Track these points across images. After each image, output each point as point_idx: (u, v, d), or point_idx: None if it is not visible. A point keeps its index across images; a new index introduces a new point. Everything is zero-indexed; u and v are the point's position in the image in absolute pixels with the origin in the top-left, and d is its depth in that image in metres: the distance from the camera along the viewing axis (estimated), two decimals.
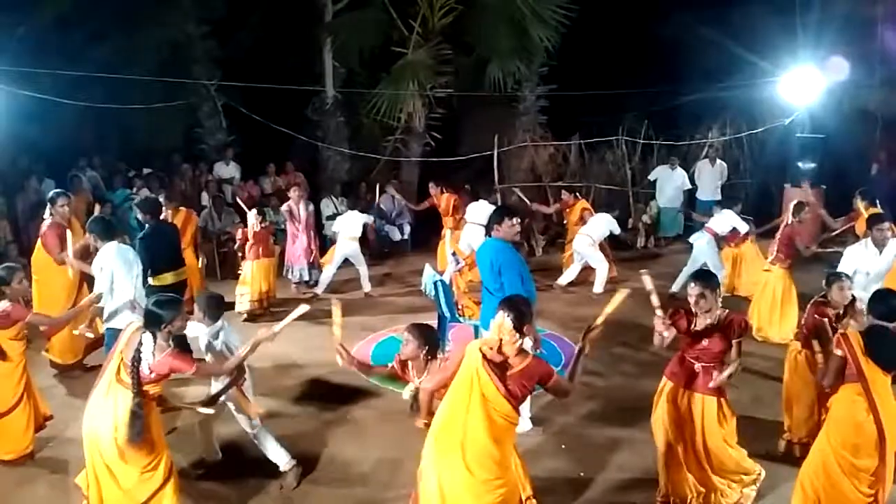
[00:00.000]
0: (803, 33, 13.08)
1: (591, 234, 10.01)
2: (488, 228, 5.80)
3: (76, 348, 7.13)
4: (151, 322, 4.18)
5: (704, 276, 4.78)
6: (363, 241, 10.51)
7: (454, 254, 9.16)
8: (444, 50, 13.28)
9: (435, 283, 7.32)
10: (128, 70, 11.20)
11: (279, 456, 5.16)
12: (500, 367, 3.65)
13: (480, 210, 9.81)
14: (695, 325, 4.65)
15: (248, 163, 13.42)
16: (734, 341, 4.57)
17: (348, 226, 9.98)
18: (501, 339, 3.61)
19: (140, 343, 4.16)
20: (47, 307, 7.01)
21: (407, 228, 12.79)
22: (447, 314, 7.21)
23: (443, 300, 7.17)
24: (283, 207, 10.24)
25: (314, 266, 10.12)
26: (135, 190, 11.38)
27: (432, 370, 4.29)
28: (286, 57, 13.28)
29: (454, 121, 14.07)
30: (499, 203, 10.47)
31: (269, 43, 13.16)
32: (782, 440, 5.55)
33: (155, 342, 4.16)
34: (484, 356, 3.64)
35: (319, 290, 9.95)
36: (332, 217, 11.20)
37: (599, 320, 4.13)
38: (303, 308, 4.71)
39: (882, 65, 13.43)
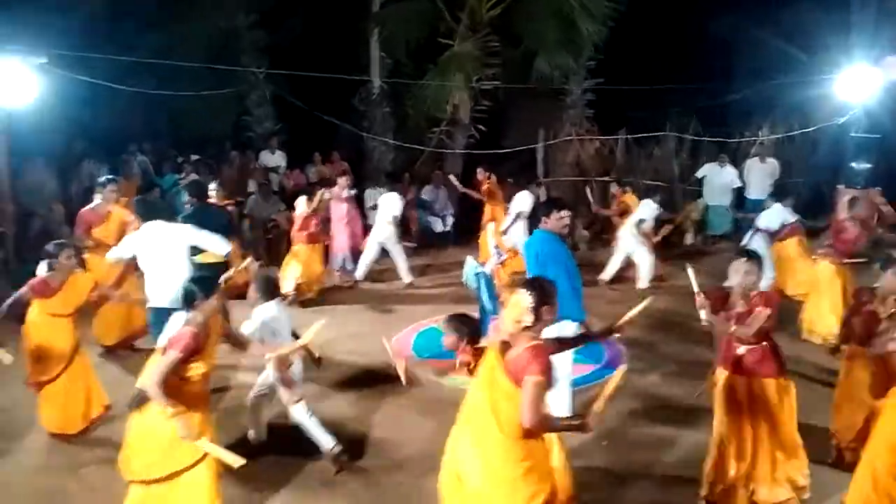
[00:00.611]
0: (858, 31, 12.72)
1: (631, 220, 9.94)
2: (535, 220, 5.77)
3: (118, 330, 7.29)
4: (183, 299, 4.26)
5: (753, 254, 4.72)
6: (405, 230, 10.55)
7: (497, 246, 9.15)
8: (492, 42, 13.24)
9: (477, 276, 7.32)
10: (179, 58, 11.39)
11: (323, 439, 5.22)
12: (505, 348, 3.50)
13: (524, 202, 9.74)
14: (729, 307, 4.58)
15: (294, 151, 13.57)
16: (758, 310, 4.47)
17: (385, 207, 9.99)
18: (515, 317, 3.44)
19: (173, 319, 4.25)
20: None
21: (450, 220, 12.80)
22: (489, 307, 7.19)
23: (485, 293, 7.16)
24: (326, 195, 10.32)
25: (358, 254, 10.19)
26: (183, 175, 11.58)
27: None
28: (333, 47, 13.38)
29: (500, 113, 14.05)
30: (542, 197, 10.39)
31: (316, 33, 13.28)
32: (832, 446, 5.41)
33: (186, 319, 4.22)
34: (499, 345, 3.54)
35: (358, 275, 10.04)
36: (376, 207, 11.24)
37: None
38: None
39: None
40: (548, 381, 3.37)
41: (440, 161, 14.11)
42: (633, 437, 5.77)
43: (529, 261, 5.65)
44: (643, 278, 9.89)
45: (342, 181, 10.29)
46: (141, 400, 4.07)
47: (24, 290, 5.55)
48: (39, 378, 5.59)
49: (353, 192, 10.45)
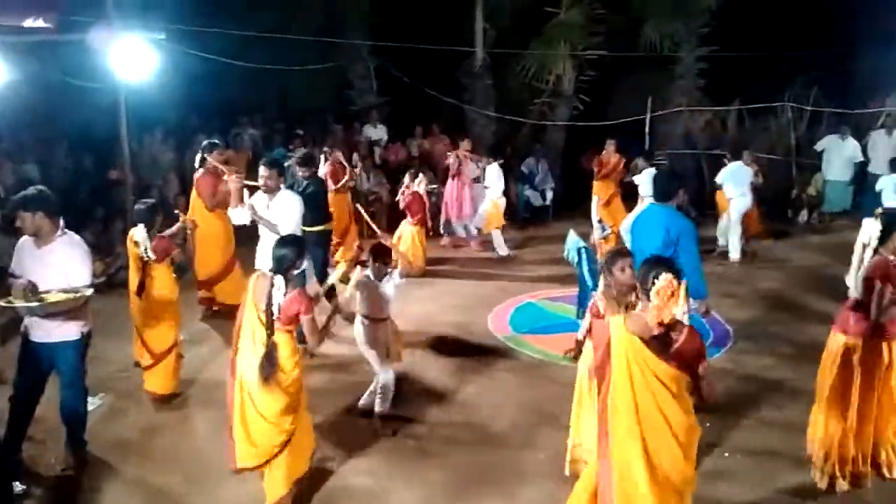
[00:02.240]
0: None
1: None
2: (665, 194, 5.57)
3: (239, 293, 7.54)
4: (280, 263, 4.31)
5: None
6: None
7: (600, 221, 8.93)
8: (598, 9, 12.86)
9: (578, 250, 7.16)
10: (287, 33, 11.63)
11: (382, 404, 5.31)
12: (661, 344, 3.40)
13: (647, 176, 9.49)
14: None
15: (396, 125, 13.66)
16: None
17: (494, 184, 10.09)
18: (666, 307, 3.31)
19: (271, 286, 4.27)
20: (206, 257, 7.48)
21: (549, 194, 12.59)
22: (589, 282, 7.03)
23: (585, 268, 7.00)
24: (451, 158, 10.50)
25: (460, 220, 10.49)
26: (291, 148, 11.86)
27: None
28: (437, 19, 13.30)
29: (605, 84, 13.61)
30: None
31: (420, 5, 13.22)
32: None
33: (286, 283, 4.28)
34: (640, 338, 3.41)
35: (501, 252, 10.15)
36: (476, 180, 11.16)
37: None
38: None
39: None
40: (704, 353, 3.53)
41: (542, 133, 13.87)
42: (740, 420, 5.52)
43: (653, 237, 5.38)
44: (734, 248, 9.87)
45: (467, 143, 10.56)
46: (269, 375, 4.24)
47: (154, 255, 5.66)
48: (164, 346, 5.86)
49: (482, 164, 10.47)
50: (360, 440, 5.20)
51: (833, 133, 12.26)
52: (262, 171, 6.19)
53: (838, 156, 12.06)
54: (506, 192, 10.61)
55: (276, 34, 11.37)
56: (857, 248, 4.46)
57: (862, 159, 11.99)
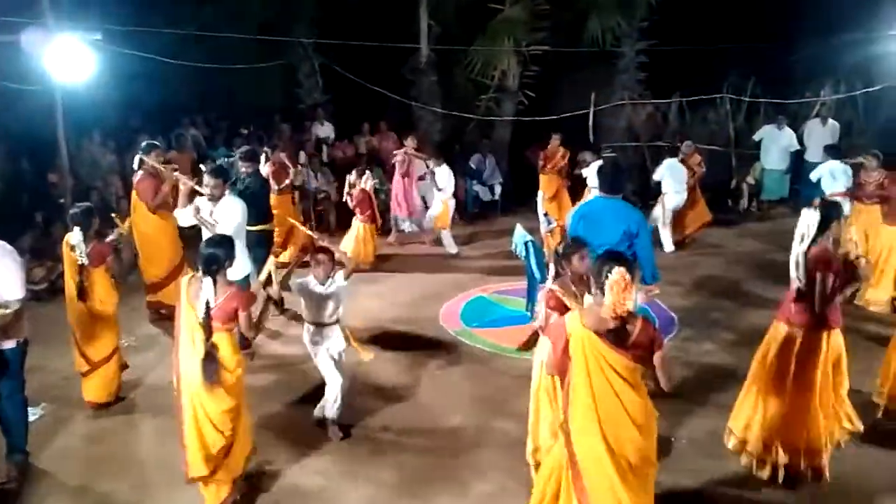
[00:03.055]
0: None
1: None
2: (614, 187, 5.64)
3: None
4: (210, 263, 4.23)
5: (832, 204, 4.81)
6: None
7: (546, 214, 9.02)
8: (542, 5, 12.98)
9: (526, 244, 7.23)
10: (231, 31, 11.46)
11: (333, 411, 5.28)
12: (618, 337, 3.46)
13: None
14: None
15: (344, 122, 13.58)
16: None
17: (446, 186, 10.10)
18: (621, 300, 3.37)
19: (201, 288, 4.21)
20: (152, 260, 7.37)
21: (498, 189, 12.69)
22: (537, 275, 7.12)
23: (533, 261, 7.08)
24: (399, 157, 10.51)
25: (411, 217, 10.57)
26: (234, 149, 11.70)
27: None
28: (382, 16, 13.26)
29: (550, 79, 13.75)
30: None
31: (366, 2, 13.17)
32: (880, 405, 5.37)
33: (216, 284, 4.21)
34: (596, 332, 3.47)
35: (451, 250, 10.13)
36: (422, 178, 11.17)
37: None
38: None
39: None
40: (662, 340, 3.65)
41: (489, 129, 13.95)
42: (685, 406, 5.65)
43: (610, 230, 5.39)
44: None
45: (412, 141, 10.59)
46: (212, 376, 4.19)
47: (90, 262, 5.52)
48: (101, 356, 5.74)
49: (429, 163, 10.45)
50: (311, 440, 5.20)
51: (770, 123, 12.60)
52: (208, 180, 6.16)
53: (775, 145, 12.38)
54: (454, 190, 10.65)
55: (217, 32, 11.20)
56: (797, 238, 4.56)
57: (798, 148, 12.35)
